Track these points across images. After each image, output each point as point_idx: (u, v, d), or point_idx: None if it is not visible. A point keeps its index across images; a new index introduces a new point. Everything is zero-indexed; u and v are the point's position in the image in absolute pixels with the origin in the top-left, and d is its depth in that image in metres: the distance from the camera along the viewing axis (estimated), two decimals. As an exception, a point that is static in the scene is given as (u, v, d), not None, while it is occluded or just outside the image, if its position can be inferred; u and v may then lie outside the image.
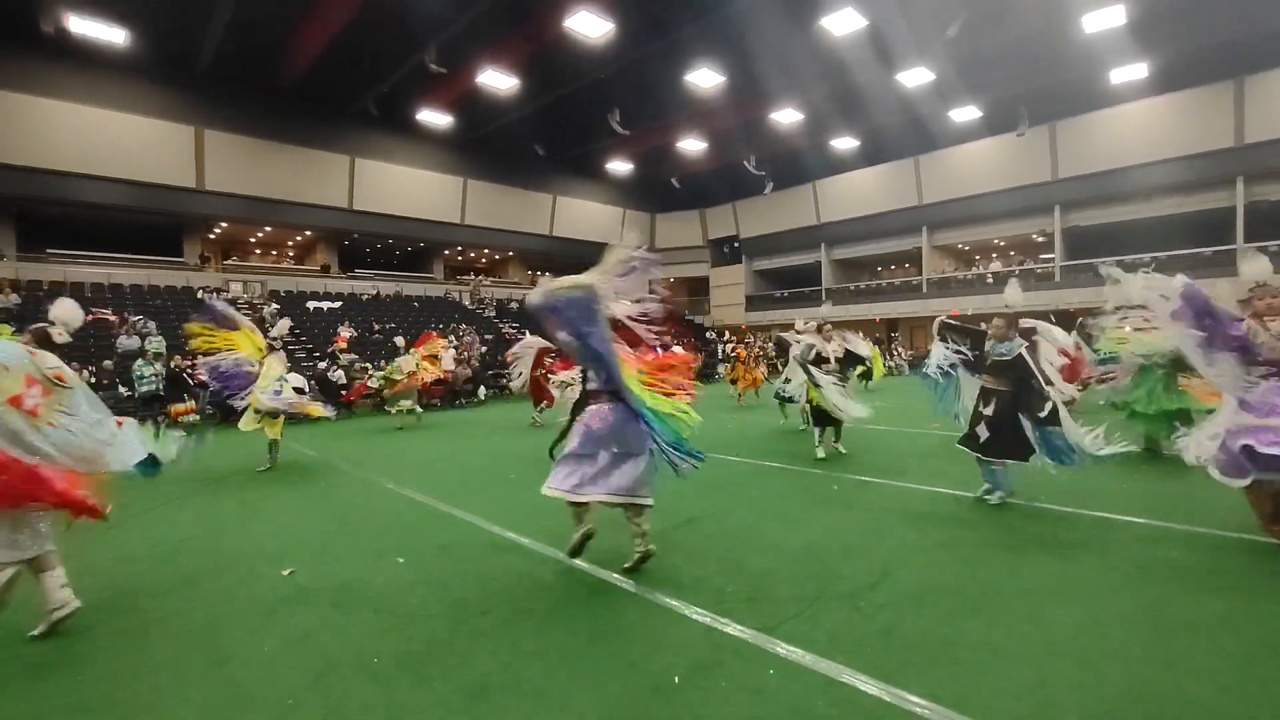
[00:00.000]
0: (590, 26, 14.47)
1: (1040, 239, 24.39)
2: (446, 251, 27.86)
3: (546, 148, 24.17)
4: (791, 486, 5.85)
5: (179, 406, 11.25)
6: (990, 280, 24.43)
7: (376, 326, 19.44)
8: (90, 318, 15.40)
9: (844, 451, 7.19)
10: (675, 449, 3.58)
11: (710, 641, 2.83)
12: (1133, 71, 17.50)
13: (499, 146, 23.91)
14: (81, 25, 14.34)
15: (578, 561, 3.90)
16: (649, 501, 3.60)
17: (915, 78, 17.37)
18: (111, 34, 14.70)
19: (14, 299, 15.07)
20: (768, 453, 7.39)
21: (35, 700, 2.48)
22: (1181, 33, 16.24)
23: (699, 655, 2.70)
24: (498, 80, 17.24)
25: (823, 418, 7.07)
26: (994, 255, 27.69)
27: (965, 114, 20.39)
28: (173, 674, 2.66)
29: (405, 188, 23.23)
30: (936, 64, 16.95)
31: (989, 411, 4.86)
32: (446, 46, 15.71)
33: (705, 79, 17.26)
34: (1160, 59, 17.27)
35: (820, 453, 7.08)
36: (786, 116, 20.22)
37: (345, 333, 17.42)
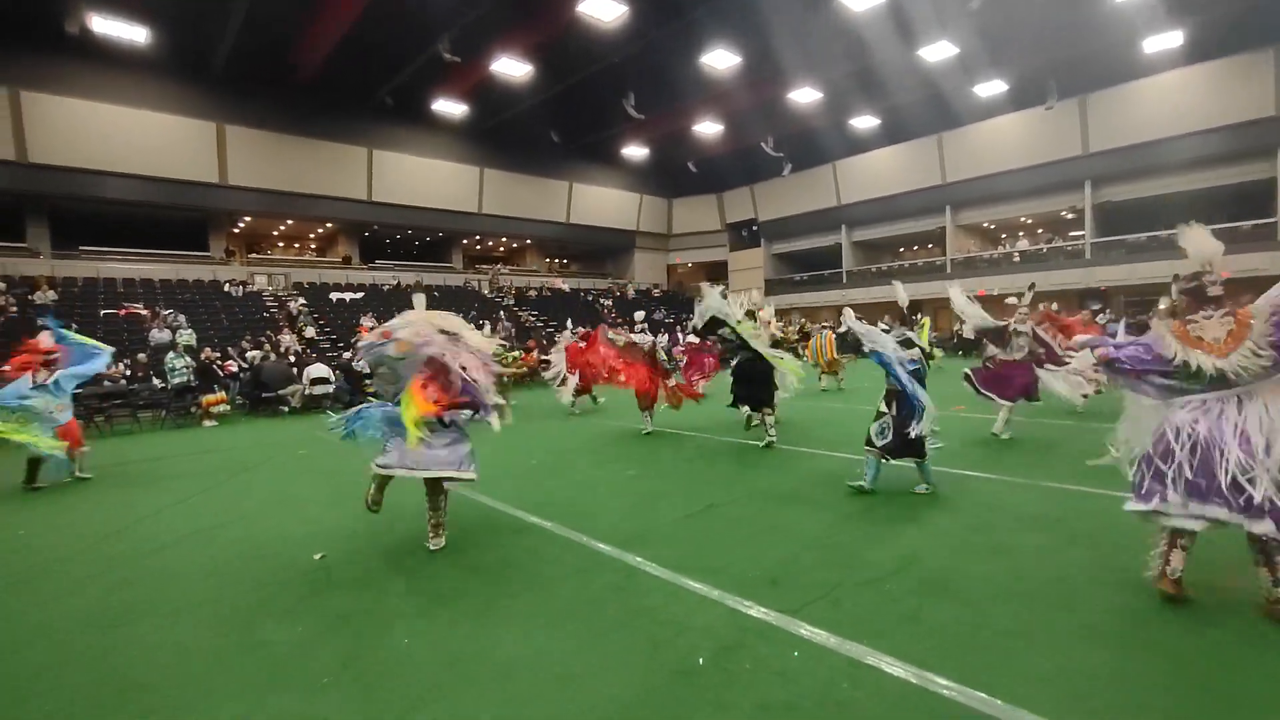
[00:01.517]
0: (603, 10, 14.30)
1: (1070, 216, 23.69)
2: (465, 241, 28.01)
3: (562, 135, 24.06)
4: (815, 471, 5.82)
5: (210, 397, 11.53)
6: (1017, 259, 23.84)
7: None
8: (123, 312, 15.85)
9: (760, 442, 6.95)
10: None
11: (734, 624, 2.85)
12: (1167, 40, 16.79)
13: (514, 135, 23.86)
14: (104, 25, 14.56)
15: (602, 545, 3.94)
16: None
17: (938, 52, 16.88)
18: (133, 33, 14.92)
19: (51, 295, 15.55)
20: (790, 438, 7.35)
21: (96, 678, 2.59)
22: (1216, -3, 15.54)
23: (723, 638, 2.72)
24: (511, 68, 17.17)
25: (747, 398, 7.05)
26: (1021, 234, 26.97)
27: (990, 88, 19.80)
28: (214, 655, 2.75)
29: (423, 178, 23.35)
30: (960, 37, 16.45)
31: (893, 412, 4.81)
32: (460, 35, 15.65)
33: (721, 60, 16.98)
34: (1196, 26, 16.54)
35: (771, 434, 6.93)
36: (805, 96, 19.83)
37: (368, 323, 17.67)
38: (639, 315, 13.45)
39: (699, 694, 2.32)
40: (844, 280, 27.69)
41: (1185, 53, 17.48)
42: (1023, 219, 25.28)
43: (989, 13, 15.15)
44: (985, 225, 26.32)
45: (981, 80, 19.34)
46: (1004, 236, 27.69)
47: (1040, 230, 26.30)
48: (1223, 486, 2.68)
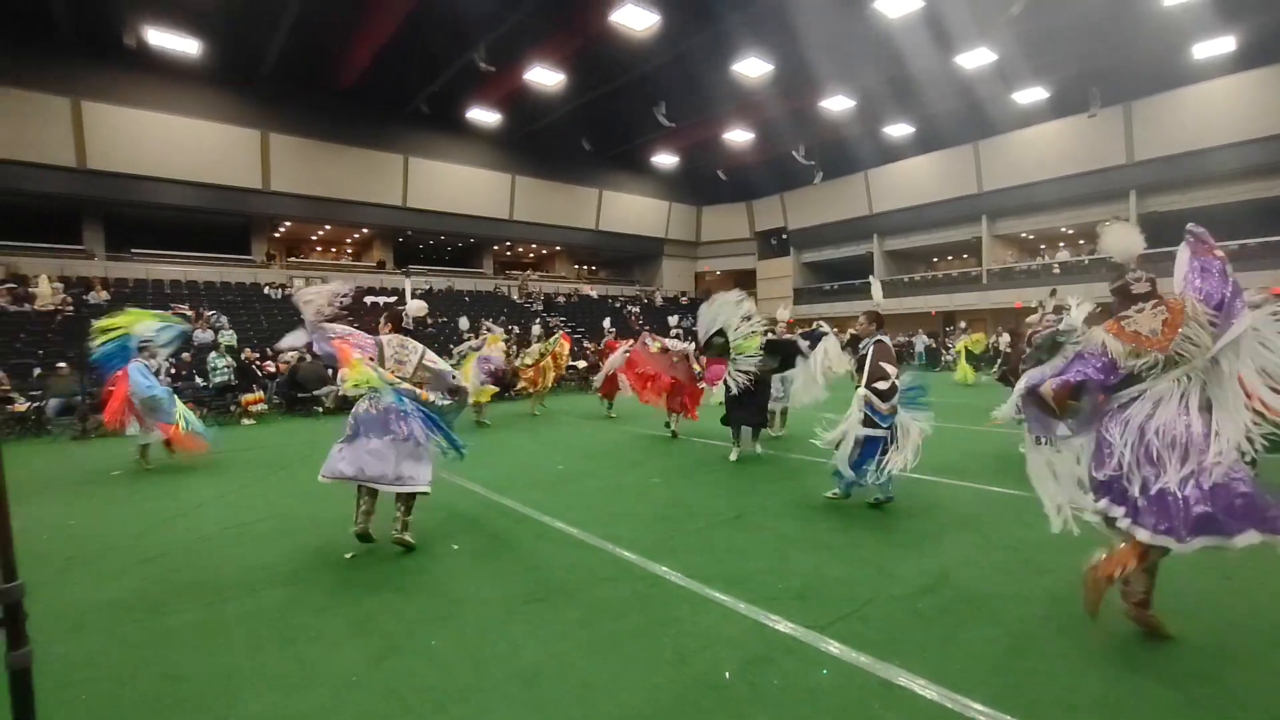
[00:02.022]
0: (636, 19, 14.41)
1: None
2: (496, 247, 28.40)
3: (593, 143, 24.27)
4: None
5: (249, 396, 11.88)
6: (1057, 271, 23.16)
7: (429, 321, 20.01)
8: (170, 313, 16.46)
9: (759, 451, 7.00)
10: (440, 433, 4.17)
11: (761, 638, 2.80)
12: (1217, 45, 16.21)
13: (546, 143, 24.17)
14: (159, 37, 15.26)
15: (626, 553, 3.92)
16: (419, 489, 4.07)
17: (976, 59, 16.57)
18: (185, 44, 15.59)
19: (104, 296, 16.23)
20: (818, 449, 7.22)
21: (134, 667, 2.67)
22: (1272, 1, 14.92)
23: (749, 651, 2.67)
24: (545, 77, 17.40)
25: (738, 415, 6.81)
26: (1061, 244, 26.22)
27: (1030, 95, 19.35)
28: (248, 648, 2.81)
29: (456, 185, 23.78)
30: (999, 43, 16.13)
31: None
32: (495, 45, 15.95)
33: (753, 68, 16.95)
34: (1248, 31, 15.92)
35: (733, 455, 6.84)
36: (837, 104, 19.66)
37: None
38: (673, 320, 13.69)
39: (725, 708, 2.29)
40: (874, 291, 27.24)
41: (1236, 59, 16.85)
42: (1063, 229, 24.58)
43: (1030, 18, 14.82)
44: (1024, 235, 25.67)
45: (1021, 87, 18.92)
46: (1043, 247, 26.94)
47: (1082, 241, 25.53)
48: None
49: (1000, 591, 3.22)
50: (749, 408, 6.70)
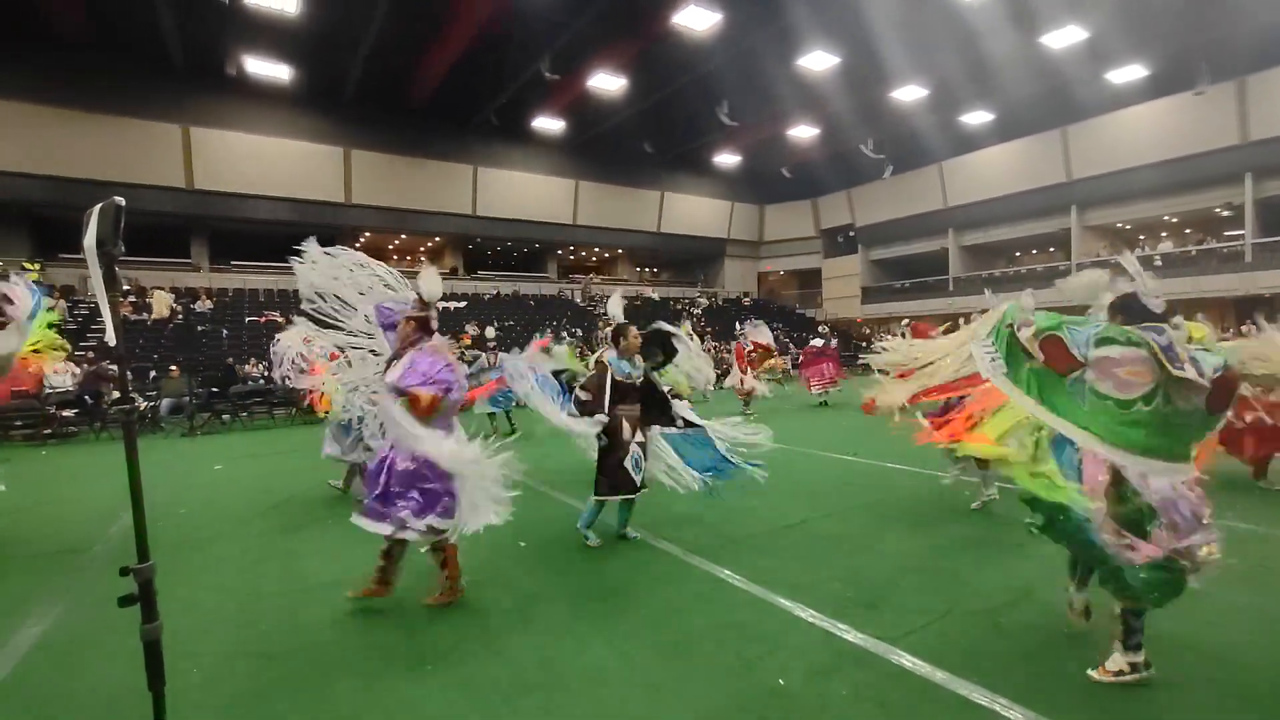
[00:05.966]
0: (698, 19, 14.35)
1: (1226, 213, 20.83)
2: (559, 251, 29.00)
3: (654, 145, 24.35)
4: (917, 491, 5.48)
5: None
6: (1159, 263, 21.27)
7: (496, 324, 20.68)
8: (263, 319, 17.79)
9: None
10: None
11: (829, 647, 2.72)
12: (1355, 5, 14.44)
13: (608, 147, 24.46)
14: (255, 65, 16.58)
15: (689, 555, 3.92)
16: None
17: (1065, 38, 15.44)
18: (278, 71, 16.83)
19: (208, 305, 17.74)
20: (891, 454, 6.96)
21: (233, 646, 2.91)
22: None
23: (817, 660, 2.61)
24: (607, 82, 17.61)
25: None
26: (1164, 234, 24.07)
27: (1127, 74, 17.85)
28: (334, 634, 3.00)
29: (522, 192, 24.46)
30: (1092, 20, 14.97)
31: (641, 440, 4.18)
32: (559, 54, 16.28)
33: (818, 61, 16.51)
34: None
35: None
36: (909, 94, 18.85)
37: (471, 330, 18.72)
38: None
39: (792, 717, 2.24)
40: (950, 288, 25.94)
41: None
42: (1166, 218, 22.54)
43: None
44: (1119, 226, 23.72)
45: (1117, 66, 17.50)
46: (1142, 238, 24.82)
47: (1188, 230, 23.36)
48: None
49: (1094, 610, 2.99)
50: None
